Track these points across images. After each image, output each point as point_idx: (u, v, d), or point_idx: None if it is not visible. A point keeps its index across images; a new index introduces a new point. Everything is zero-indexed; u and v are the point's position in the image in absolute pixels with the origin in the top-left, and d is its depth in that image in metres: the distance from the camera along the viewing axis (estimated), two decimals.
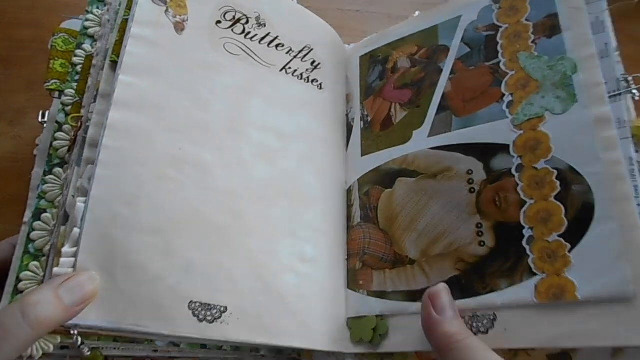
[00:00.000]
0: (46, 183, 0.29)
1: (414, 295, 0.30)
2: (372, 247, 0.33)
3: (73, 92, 0.32)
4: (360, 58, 0.39)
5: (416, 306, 0.29)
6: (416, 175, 0.32)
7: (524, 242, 0.27)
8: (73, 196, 0.27)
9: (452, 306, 0.27)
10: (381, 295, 0.31)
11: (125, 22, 0.31)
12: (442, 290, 0.27)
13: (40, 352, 0.27)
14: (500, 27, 0.32)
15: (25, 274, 0.28)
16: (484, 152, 0.30)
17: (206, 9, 0.34)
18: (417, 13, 0.38)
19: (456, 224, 0.30)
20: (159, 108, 0.29)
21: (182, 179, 0.29)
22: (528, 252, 0.27)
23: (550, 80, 0.29)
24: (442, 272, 0.29)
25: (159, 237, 0.27)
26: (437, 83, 0.34)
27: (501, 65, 0.31)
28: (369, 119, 0.37)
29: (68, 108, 0.32)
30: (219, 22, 0.34)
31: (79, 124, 0.30)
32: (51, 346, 0.27)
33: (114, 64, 0.30)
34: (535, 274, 0.26)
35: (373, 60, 0.38)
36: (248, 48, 0.34)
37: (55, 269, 0.25)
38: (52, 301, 0.23)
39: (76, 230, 0.26)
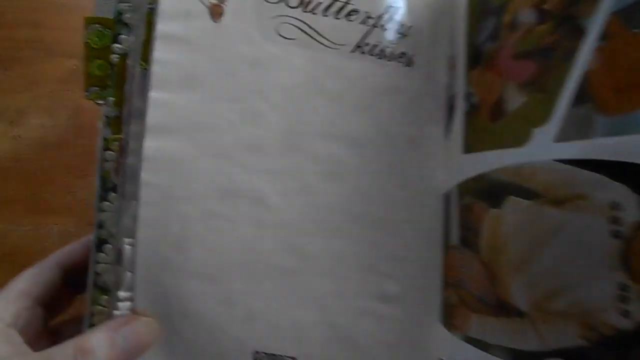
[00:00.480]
0: (102, 210, 0.27)
1: (522, 357, 0.23)
2: (471, 282, 0.26)
3: (113, 100, 0.28)
4: (468, 3, 0.28)
5: None
6: (534, 196, 0.23)
7: None
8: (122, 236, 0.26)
9: None
10: (480, 345, 0.25)
11: (151, 13, 0.25)
12: None
13: None
14: None
15: (97, 308, 0.27)
16: None
17: None
18: None
19: (588, 277, 0.21)
20: (201, 129, 0.25)
21: (235, 216, 0.25)
22: None
23: None
24: (562, 338, 0.22)
25: (214, 283, 0.25)
26: (575, 54, 0.22)
27: None
28: (476, 99, 0.27)
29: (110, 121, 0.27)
30: None
31: (121, 146, 0.26)
32: None
33: (145, 73, 0.25)
34: None
35: (485, 8, 0.27)
36: (309, 26, 0.26)
37: (114, 312, 0.25)
38: (106, 348, 0.23)
39: (129, 274, 0.25)
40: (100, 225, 0.27)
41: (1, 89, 0.43)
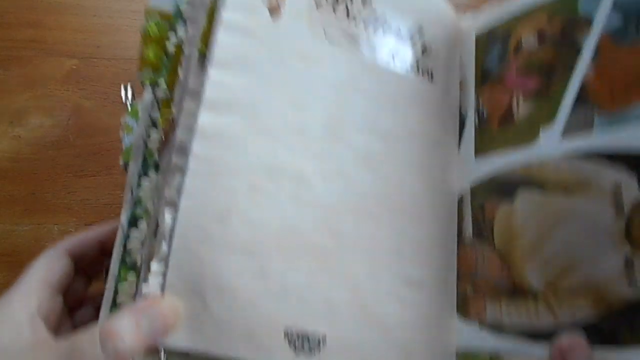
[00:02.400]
0: (140, 186, 0.28)
1: (537, 335, 0.25)
2: (486, 271, 0.28)
3: (165, 83, 0.29)
4: (476, 36, 0.33)
5: (539, 349, 0.24)
6: (543, 188, 0.26)
7: None
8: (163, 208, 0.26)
9: None
10: (496, 329, 0.26)
11: (214, 5, 0.27)
12: (577, 345, 0.22)
13: None
14: None
15: (123, 286, 0.27)
16: None
17: None
18: None
19: (596, 254, 0.24)
20: (253, 109, 0.27)
21: (278, 193, 0.26)
22: None
23: None
24: (576, 312, 0.24)
25: (252, 257, 0.25)
26: (574, 68, 0.27)
27: None
28: (485, 112, 0.31)
29: (160, 102, 0.29)
30: (319, 3, 0.30)
31: (170, 124, 0.28)
32: None
33: (203, 57, 0.27)
34: None
35: (491, 39, 0.32)
36: (351, 34, 0.30)
37: (143, 287, 0.24)
38: (131, 332, 0.23)
39: (164, 245, 0.25)
40: (136, 202, 0.28)
41: (1, 89, 0.43)
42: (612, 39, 0.26)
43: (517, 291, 0.26)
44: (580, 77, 0.26)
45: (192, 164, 0.25)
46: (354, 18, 0.30)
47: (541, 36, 0.29)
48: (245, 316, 0.25)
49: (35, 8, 0.46)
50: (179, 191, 0.25)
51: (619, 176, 0.24)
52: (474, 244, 0.29)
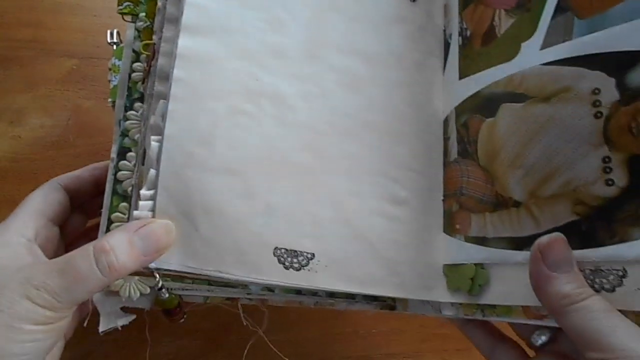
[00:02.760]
0: (127, 119, 0.29)
1: (520, 243, 0.25)
2: (471, 186, 0.28)
3: (145, 15, 0.29)
4: None
5: (522, 255, 0.25)
6: (524, 99, 0.26)
7: None
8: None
9: (568, 260, 0.22)
10: (481, 241, 0.27)
11: None
12: (555, 241, 0.22)
13: (138, 294, 0.28)
14: None
15: (115, 215, 0.28)
16: (618, 63, 0.23)
17: None
18: None
19: (575, 157, 0.24)
20: (231, 32, 0.27)
21: (259, 114, 0.27)
22: None
23: None
24: (556, 217, 0.24)
25: (237, 178, 0.26)
26: None
27: None
28: (468, 33, 0.30)
29: (141, 33, 0.29)
30: None
31: (152, 53, 0.28)
32: (148, 289, 0.28)
33: None
34: None
35: None
36: None
37: (134, 212, 0.25)
38: (125, 249, 0.23)
39: (152, 171, 0.25)
40: (124, 134, 0.28)
41: (1, 89, 0.43)
42: None
43: (500, 204, 0.27)
44: None
45: (174, 88, 0.25)
46: None
47: None
48: (235, 236, 0.25)
49: (35, 8, 0.46)
50: (163, 117, 0.25)
51: (598, 78, 0.24)
52: (459, 162, 0.29)
